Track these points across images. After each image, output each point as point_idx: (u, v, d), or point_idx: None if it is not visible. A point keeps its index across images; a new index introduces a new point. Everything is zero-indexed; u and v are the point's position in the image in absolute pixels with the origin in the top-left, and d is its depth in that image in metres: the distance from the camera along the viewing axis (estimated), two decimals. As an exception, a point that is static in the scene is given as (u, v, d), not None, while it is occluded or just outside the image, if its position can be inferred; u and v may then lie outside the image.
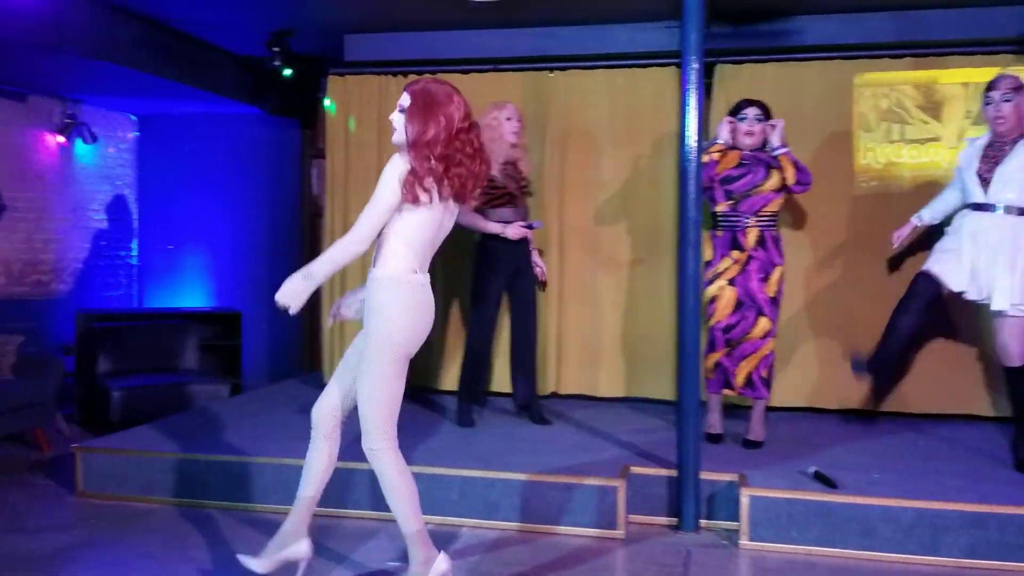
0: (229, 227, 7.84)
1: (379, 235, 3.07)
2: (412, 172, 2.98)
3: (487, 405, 5.70)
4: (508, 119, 4.88)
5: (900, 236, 4.80)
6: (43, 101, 6.83)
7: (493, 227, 4.87)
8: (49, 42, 5.12)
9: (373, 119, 6.09)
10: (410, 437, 4.77)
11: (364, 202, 6.11)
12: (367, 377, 3.06)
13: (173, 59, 6.21)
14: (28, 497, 4.50)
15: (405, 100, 3.07)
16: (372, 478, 4.02)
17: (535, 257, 5.09)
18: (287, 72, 6.36)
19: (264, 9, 5.64)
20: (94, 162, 7.43)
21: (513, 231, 4.86)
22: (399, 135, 3.08)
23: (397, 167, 3.01)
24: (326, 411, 3.29)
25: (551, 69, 5.86)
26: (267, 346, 7.76)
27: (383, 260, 3.07)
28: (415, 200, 2.99)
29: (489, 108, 4.91)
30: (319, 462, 3.27)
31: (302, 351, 7.69)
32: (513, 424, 5.18)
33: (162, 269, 7.97)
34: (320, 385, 6.17)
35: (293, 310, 3.03)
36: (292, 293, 3.04)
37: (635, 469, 4.20)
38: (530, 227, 4.93)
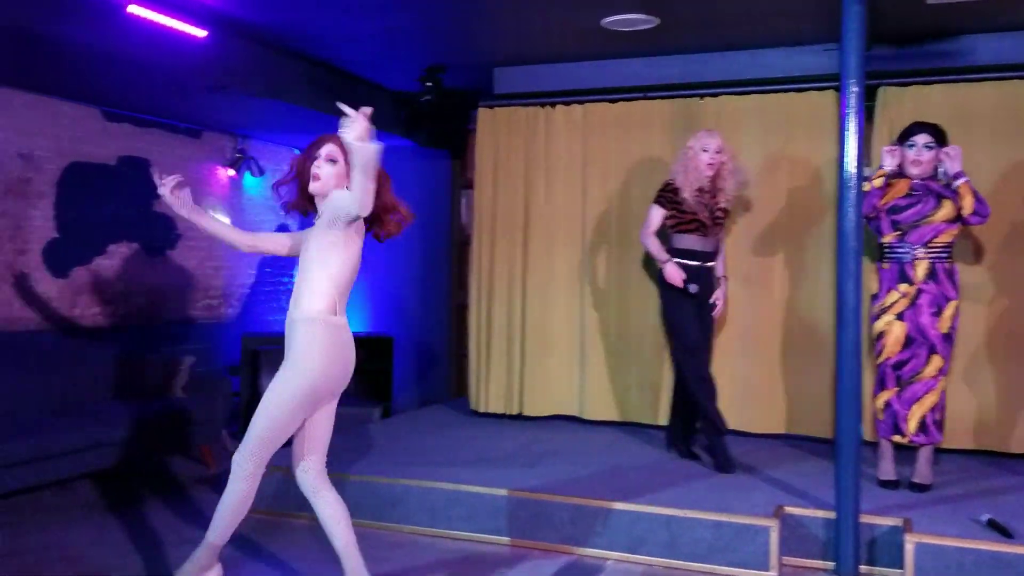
0: (382, 255, 8.09)
1: (304, 277, 3.15)
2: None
3: (637, 435, 5.64)
4: (704, 150, 4.79)
5: None
6: (216, 137, 7.30)
7: (661, 257, 4.85)
8: (220, 83, 5.48)
9: (520, 149, 6.19)
10: (560, 466, 4.78)
11: (511, 232, 6.28)
12: (272, 397, 3.11)
13: (333, 96, 6.47)
14: (194, 511, 4.76)
15: (335, 152, 3.19)
16: (421, 494, 4.04)
17: (717, 293, 4.97)
18: (435, 102, 6.50)
19: (418, 47, 5.84)
20: (260, 193, 7.86)
21: (670, 272, 4.78)
22: (326, 185, 3.17)
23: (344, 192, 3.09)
24: (299, 475, 3.33)
25: (701, 95, 5.79)
26: (416, 371, 7.95)
27: (308, 301, 3.14)
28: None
29: (691, 139, 4.87)
30: (330, 514, 3.28)
31: (449, 377, 7.83)
32: (660, 457, 5.08)
33: (320, 295, 8.31)
34: (467, 410, 6.31)
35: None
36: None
37: (790, 509, 4.04)
38: (685, 287, 4.79)
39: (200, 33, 5.04)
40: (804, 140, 5.53)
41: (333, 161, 3.18)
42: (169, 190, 3.28)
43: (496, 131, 6.26)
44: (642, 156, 5.88)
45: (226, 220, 3.17)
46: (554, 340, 6.09)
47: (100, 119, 6.22)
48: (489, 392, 6.21)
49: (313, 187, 3.18)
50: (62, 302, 5.92)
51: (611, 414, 5.94)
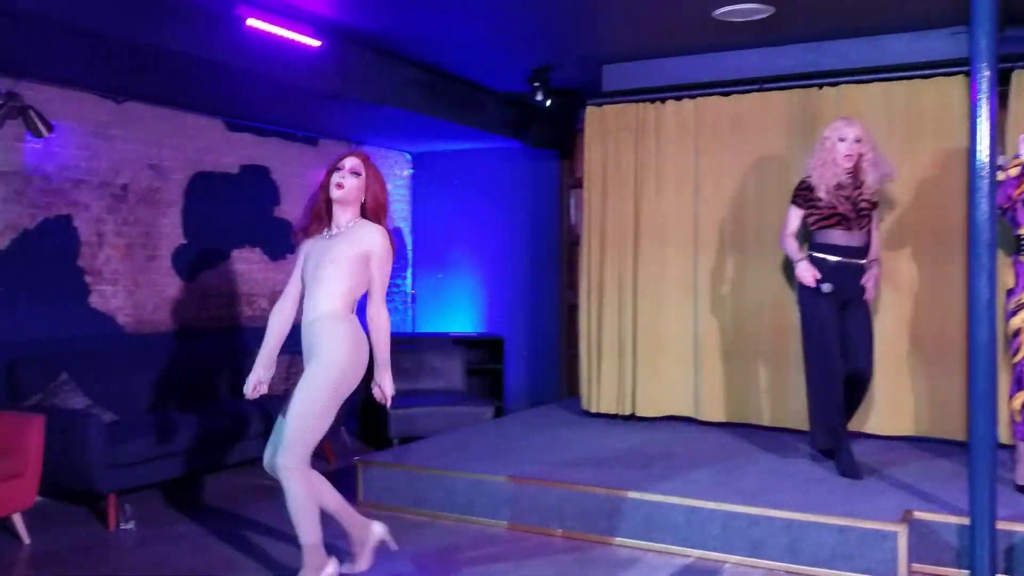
0: (492, 256, 8.18)
1: (331, 280, 3.48)
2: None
3: (756, 437, 5.50)
4: (841, 140, 4.57)
5: None
6: (332, 144, 7.50)
7: (795, 257, 4.71)
8: (335, 91, 5.63)
9: (629, 147, 6.12)
10: (674, 468, 4.71)
11: (621, 231, 6.22)
12: (306, 395, 3.38)
13: (443, 100, 6.60)
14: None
15: (359, 166, 3.53)
16: (535, 494, 4.02)
17: (867, 276, 4.68)
18: (547, 103, 6.51)
19: (526, 47, 5.86)
20: (374, 197, 8.03)
21: (801, 271, 4.61)
22: (349, 193, 3.51)
23: (383, 234, 3.53)
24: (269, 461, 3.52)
25: (820, 85, 5.60)
26: (528, 371, 7.97)
27: (334, 303, 3.46)
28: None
29: (827, 129, 4.69)
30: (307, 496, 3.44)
31: (561, 377, 7.82)
32: (782, 459, 4.94)
33: (433, 296, 8.46)
34: (578, 411, 6.29)
35: None
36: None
37: (919, 514, 3.86)
38: (818, 286, 4.58)
39: (315, 43, 5.19)
40: (932, 129, 5.28)
41: (357, 174, 3.52)
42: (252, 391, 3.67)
43: (605, 129, 6.22)
44: (757, 150, 5.74)
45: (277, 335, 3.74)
46: (667, 340, 5.99)
47: (222, 129, 6.48)
48: (601, 392, 6.17)
49: (337, 194, 3.49)
50: (190, 305, 6.20)
51: (727, 415, 5.82)
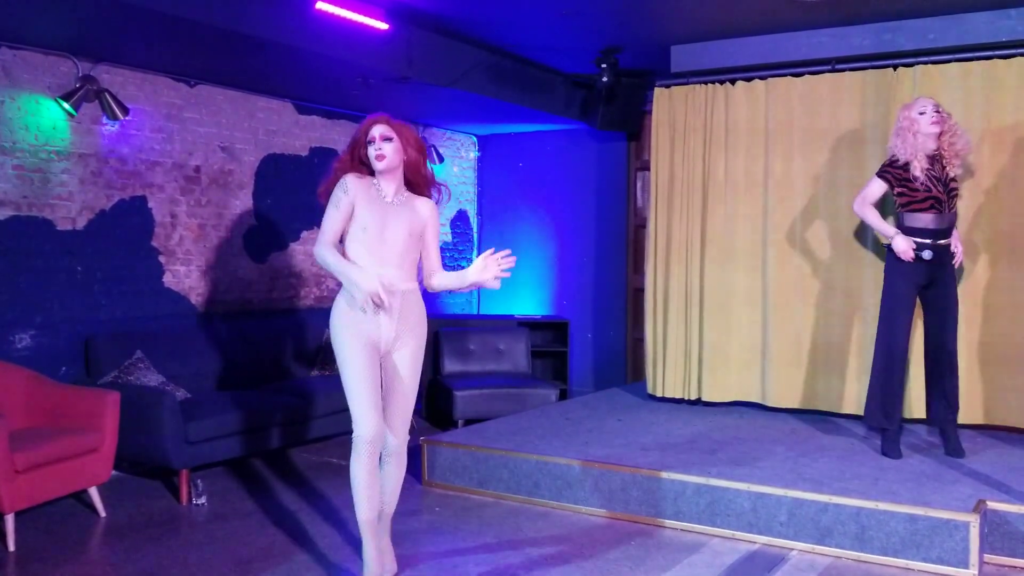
0: (558, 238, 8.16)
1: (406, 252, 3.42)
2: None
3: (826, 423, 5.41)
4: (921, 113, 4.51)
5: None
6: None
7: (887, 231, 4.63)
8: (402, 74, 5.67)
9: (698, 128, 6.04)
10: (741, 453, 4.66)
11: (688, 212, 6.16)
12: (416, 374, 3.47)
13: (510, 82, 6.59)
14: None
15: (388, 131, 3.40)
16: (600, 476, 3.99)
17: (954, 242, 4.60)
18: (604, 79, 6.43)
19: (595, 29, 5.80)
20: (441, 180, 8.07)
21: (900, 246, 4.51)
22: (392, 161, 3.39)
23: (435, 207, 3.57)
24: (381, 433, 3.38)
25: (895, 66, 5.44)
26: (593, 354, 7.96)
27: (412, 275, 3.48)
28: None
29: (900, 111, 4.64)
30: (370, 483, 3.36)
31: (626, 360, 7.79)
32: (852, 446, 4.85)
33: (497, 279, 8.46)
34: (643, 395, 6.26)
35: None
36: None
37: (993, 504, 3.75)
38: (919, 253, 4.50)
39: (382, 26, 5.23)
40: (1012, 110, 5.09)
41: (389, 139, 3.39)
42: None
43: (673, 110, 6.14)
44: (830, 132, 5.60)
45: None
46: (734, 324, 5.91)
47: (292, 112, 6.58)
48: (666, 376, 6.12)
49: (380, 165, 3.37)
50: (260, 285, 6.33)
51: (795, 401, 5.72)
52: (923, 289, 4.60)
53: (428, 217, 3.49)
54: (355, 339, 3.30)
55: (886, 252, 4.71)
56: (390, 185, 3.44)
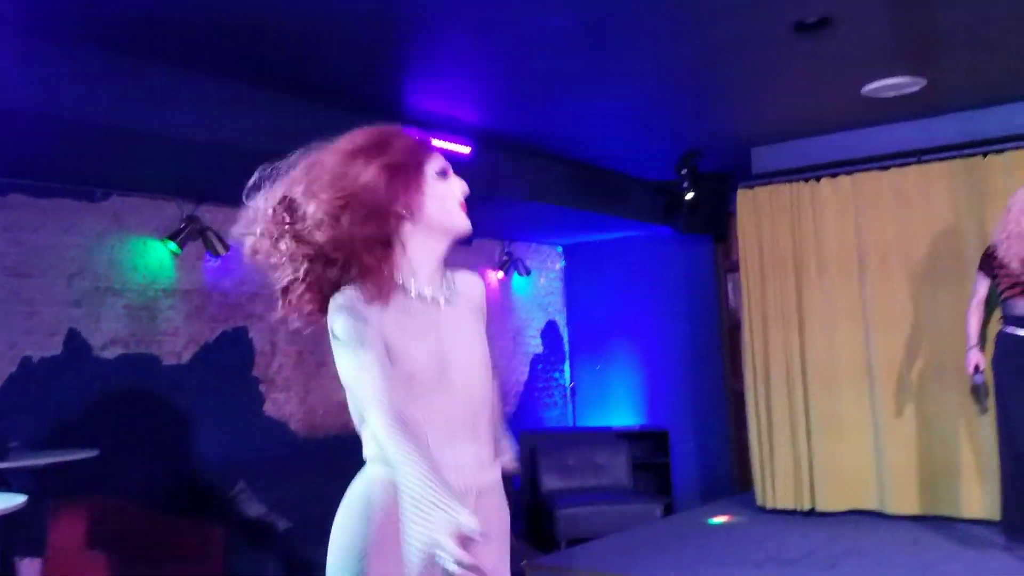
0: (651, 345, 8.05)
1: (483, 401, 1.96)
2: None
3: (953, 531, 5.07)
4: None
5: None
6: (486, 243, 7.68)
7: (969, 341, 4.65)
8: (485, 192, 5.79)
9: (785, 228, 5.94)
10: (863, 567, 4.38)
11: (782, 311, 5.97)
12: None
13: (591, 192, 6.67)
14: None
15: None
16: None
17: None
18: (689, 196, 6.41)
19: (672, 135, 5.86)
20: (528, 292, 8.13)
21: (969, 359, 4.53)
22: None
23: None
24: None
25: (984, 153, 5.29)
26: (697, 464, 7.69)
27: (491, 449, 2.03)
28: None
29: (1007, 212, 4.48)
30: None
31: (732, 470, 7.51)
32: (983, 555, 4.52)
33: (592, 389, 8.38)
34: (752, 506, 5.98)
35: None
36: None
37: None
38: (974, 375, 4.59)
39: (465, 149, 5.38)
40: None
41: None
42: None
43: (758, 211, 6.08)
44: (923, 224, 5.44)
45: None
46: (844, 427, 5.64)
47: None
48: (776, 485, 5.85)
49: (466, 224, 2.06)
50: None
51: (917, 508, 5.38)
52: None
53: (482, 299, 2.13)
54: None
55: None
56: (434, 257, 2.00)
